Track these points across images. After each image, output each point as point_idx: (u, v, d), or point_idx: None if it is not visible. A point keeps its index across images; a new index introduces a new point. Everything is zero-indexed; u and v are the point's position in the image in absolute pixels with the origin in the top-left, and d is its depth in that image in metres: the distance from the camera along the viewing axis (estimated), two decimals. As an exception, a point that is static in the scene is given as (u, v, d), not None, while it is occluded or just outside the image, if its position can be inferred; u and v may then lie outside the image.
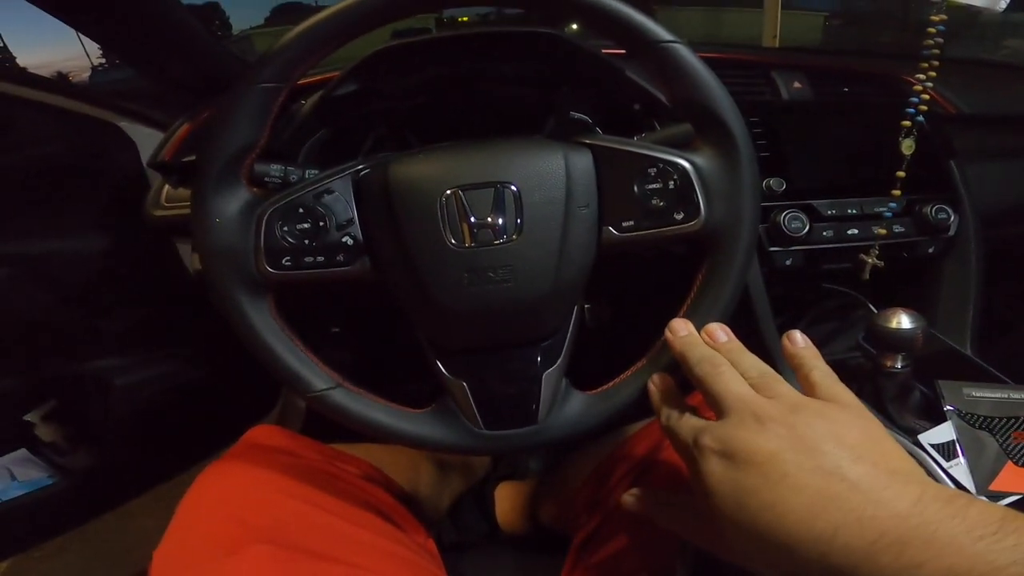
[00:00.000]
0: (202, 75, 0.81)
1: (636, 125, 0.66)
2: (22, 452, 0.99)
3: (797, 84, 0.76)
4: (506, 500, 0.82)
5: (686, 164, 0.43)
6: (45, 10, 0.66)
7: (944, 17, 0.55)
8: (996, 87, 0.91)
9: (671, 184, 0.43)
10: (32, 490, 0.96)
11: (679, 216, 0.43)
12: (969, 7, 0.68)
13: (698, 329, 0.42)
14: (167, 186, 0.71)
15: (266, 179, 0.49)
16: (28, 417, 0.97)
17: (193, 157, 0.71)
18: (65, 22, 0.68)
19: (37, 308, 0.88)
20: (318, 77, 0.72)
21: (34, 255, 0.84)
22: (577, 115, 0.73)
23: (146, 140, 0.84)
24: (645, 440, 0.58)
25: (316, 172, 0.50)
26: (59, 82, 0.87)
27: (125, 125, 0.84)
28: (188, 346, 1.01)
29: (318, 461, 0.56)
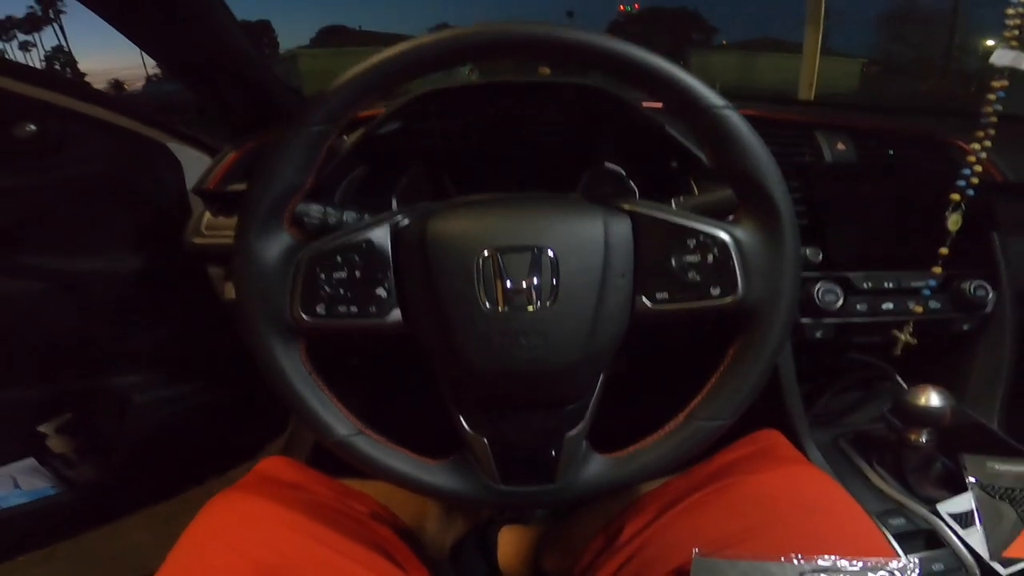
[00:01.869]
0: (252, 101, 0.82)
1: (672, 183, 0.66)
2: (30, 461, 0.99)
3: (841, 145, 0.74)
4: (509, 545, 0.81)
5: (727, 237, 0.42)
6: (105, 19, 0.67)
7: (1006, 83, 0.55)
8: None
9: (710, 258, 0.42)
10: (33, 499, 0.95)
11: (715, 291, 0.42)
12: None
13: (726, 407, 0.42)
14: (208, 214, 0.73)
15: (305, 219, 0.50)
16: (42, 428, 0.98)
17: (236, 187, 0.74)
18: (124, 34, 0.70)
19: (65, 322, 0.89)
20: (362, 114, 0.74)
21: (69, 271, 0.86)
22: (612, 166, 0.74)
23: (193, 163, 0.86)
24: (657, 500, 0.57)
25: (354, 214, 0.51)
26: (113, 97, 0.89)
27: (174, 146, 0.86)
28: (209, 369, 1.02)
29: (326, 497, 0.56)
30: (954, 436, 0.58)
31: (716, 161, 0.43)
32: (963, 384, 0.68)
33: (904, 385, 0.61)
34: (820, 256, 0.63)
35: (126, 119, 0.85)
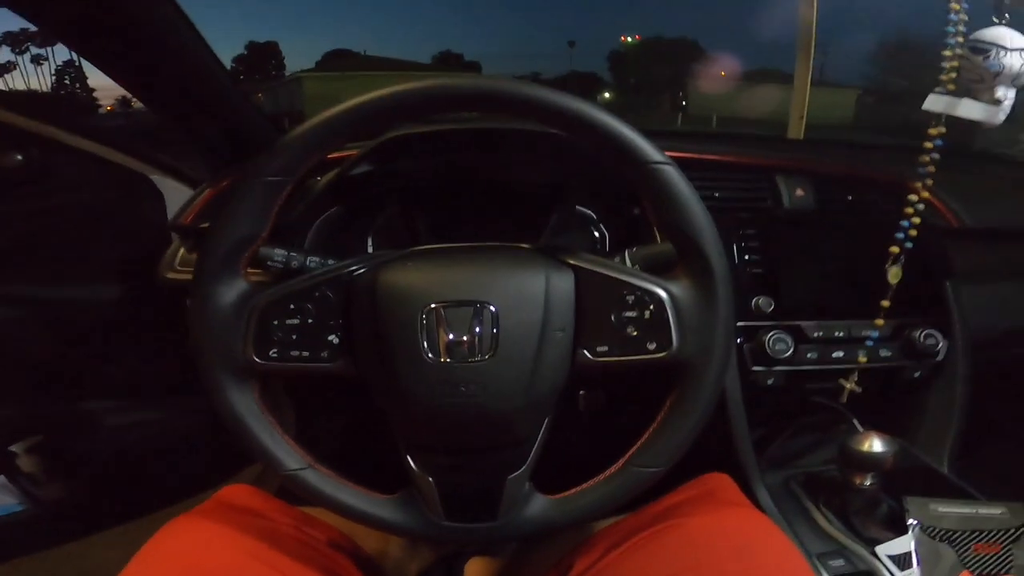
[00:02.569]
0: (228, 135, 0.83)
1: (637, 228, 0.68)
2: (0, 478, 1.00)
3: (800, 191, 0.75)
4: None
5: (663, 294, 0.43)
6: (71, 47, 0.66)
7: (943, 131, 0.56)
8: (1006, 189, 0.89)
9: (647, 313, 0.43)
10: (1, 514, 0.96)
11: (652, 346, 0.44)
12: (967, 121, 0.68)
13: (660, 456, 0.43)
14: (183, 249, 0.74)
15: (269, 263, 0.51)
16: (13, 447, 0.99)
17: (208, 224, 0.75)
18: (94, 64, 0.69)
19: (43, 348, 0.90)
20: (335, 155, 0.74)
21: (49, 299, 0.87)
22: (583, 210, 0.76)
23: (175, 195, 0.87)
24: (606, 539, 0.58)
25: (317, 260, 0.52)
26: (97, 128, 0.90)
27: (157, 178, 0.88)
28: (180, 397, 1.02)
29: (286, 525, 0.56)
30: (902, 478, 0.59)
31: (654, 216, 0.44)
32: (916, 428, 0.69)
33: (859, 428, 0.62)
34: (772, 305, 0.64)
35: (109, 150, 0.86)
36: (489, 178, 0.75)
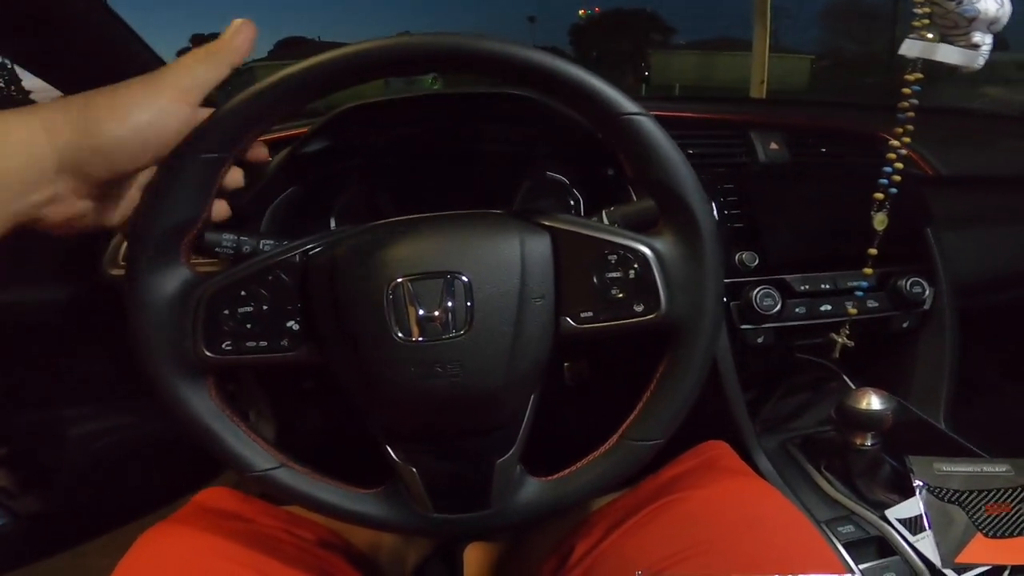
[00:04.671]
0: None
1: (613, 191, 0.65)
2: None
3: (774, 145, 0.74)
4: (475, 563, 0.79)
5: (647, 251, 0.41)
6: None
7: (920, 76, 0.55)
8: (976, 140, 0.90)
9: (631, 273, 0.41)
10: None
11: (639, 308, 0.41)
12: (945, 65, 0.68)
13: (656, 427, 0.41)
14: (126, 243, 0.69)
15: (217, 250, 0.46)
16: None
17: None
18: (23, 66, 0.66)
19: (-6, 357, 0.86)
20: (286, 133, 0.71)
21: (-7, 304, 0.82)
22: (554, 175, 0.73)
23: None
24: (606, 519, 0.57)
25: (271, 243, 0.48)
26: None
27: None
28: (147, 398, 0.99)
29: (271, 527, 0.54)
30: (900, 436, 0.58)
31: (632, 171, 0.41)
32: (908, 381, 0.69)
33: (851, 385, 0.61)
34: (756, 260, 0.63)
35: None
36: (454, 148, 0.71)
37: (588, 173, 0.71)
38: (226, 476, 1.04)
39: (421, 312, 0.39)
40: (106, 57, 0.67)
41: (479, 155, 0.71)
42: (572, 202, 0.74)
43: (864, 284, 0.61)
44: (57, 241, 0.83)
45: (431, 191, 0.72)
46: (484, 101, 0.65)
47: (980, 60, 0.54)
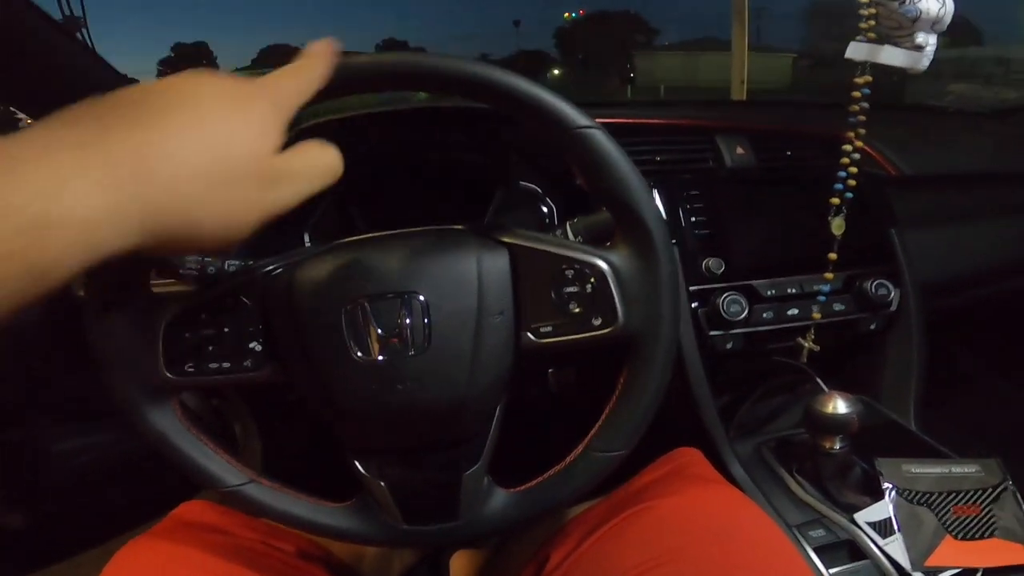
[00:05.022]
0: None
1: (585, 200, 0.65)
2: None
3: (740, 150, 0.75)
4: (461, 571, 0.79)
5: (603, 265, 0.41)
6: None
7: (869, 79, 0.55)
8: (939, 138, 0.91)
9: (588, 287, 0.41)
10: None
11: (597, 322, 0.41)
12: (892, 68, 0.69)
13: (619, 438, 0.42)
14: None
15: (181, 272, 0.46)
16: None
17: None
18: None
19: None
20: None
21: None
22: (526, 185, 0.73)
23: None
24: (581, 526, 0.57)
25: (236, 263, 0.48)
26: None
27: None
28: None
29: (250, 539, 0.53)
30: (870, 437, 0.59)
31: (586, 183, 0.41)
32: (878, 383, 0.69)
33: (824, 387, 0.61)
34: (723, 267, 0.63)
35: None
36: (426, 160, 0.71)
37: (559, 182, 0.71)
38: (209, 491, 1.04)
39: (379, 331, 0.39)
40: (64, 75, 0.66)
41: (451, 166, 0.72)
42: (545, 210, 0.74)
43: (827, 288, 0.61)
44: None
45: (404, 205, 0.72)
46: (454, 114, 0.66)
47: (924, 61, 0.54)
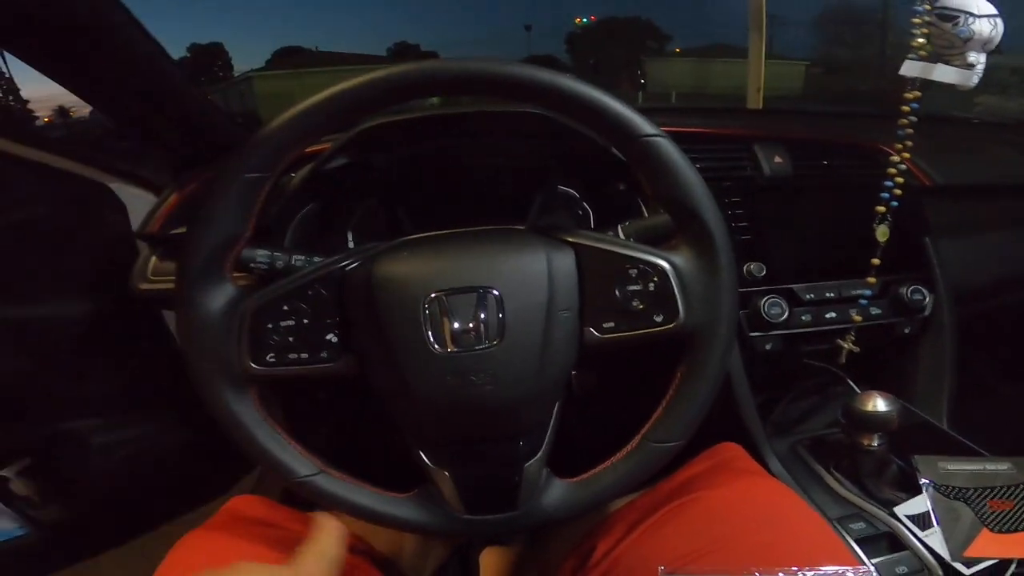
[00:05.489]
0: (189, 135, 0.79)
1: (623, 203, 0.67)
2: None
3: (778, 159, 0.76)
4: (491, 567, 0.80)
5: (666, 265, 0.43)
6: (11, 53, 0.63)
7: (918, 94, 0.57)
8: (970, 149, 0.93)
9: (651, 286, 0.43)
10: (1, 540, 0.93)
11: (659, 318, 0.43)
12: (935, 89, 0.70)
13: (676, 429, 0.43)
14: (154, 258, 0.71)
15: (252, 265, 0.49)
16: (3, 472, 0.94)
17: (180, 230, 0.72)
18: (38, 69, 0.65)
19: (17, 371, 0.86)
20: (308, 150, 0.73)
21: (16, 319, 0.83)
22: (565, 189, 0.75)
23: (137, 202, 0.83)
24: (625, 519, 0.58)
25: (302, 258, 0.50)
26: (49, 139, 0.85)
27: (116, 186, 0.83)
28: (169, 409, 1.00)
29: (299, 532, 0.54)
30: (905, 437, 0.60)
31: (650, 188, 0.44)
32: (911, 385, 0.71)
33: (856, 389, 0.63)
34: (764, 271, 0.65)
35: (62, 160, 0.82)
36: (468, 163, 0.73)
37: (597, 186, 0.73)
38: (243, 484, 1.06)
39: (456, 325, 0.41)
40: (122, 59, 0.67)
41: (492, 170, 0.73)
42: (582, 213, 0.76)
43: (868, 292, 0.63)
44: (83, 258, 0.86)
45: (446, 206, 0.74)
46: (497, 118, 0.67)
47: (975, 79, 0.56)
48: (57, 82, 0.69)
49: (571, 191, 0.75)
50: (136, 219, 0.82)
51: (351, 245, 0.72)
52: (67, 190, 0.84)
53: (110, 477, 0.97)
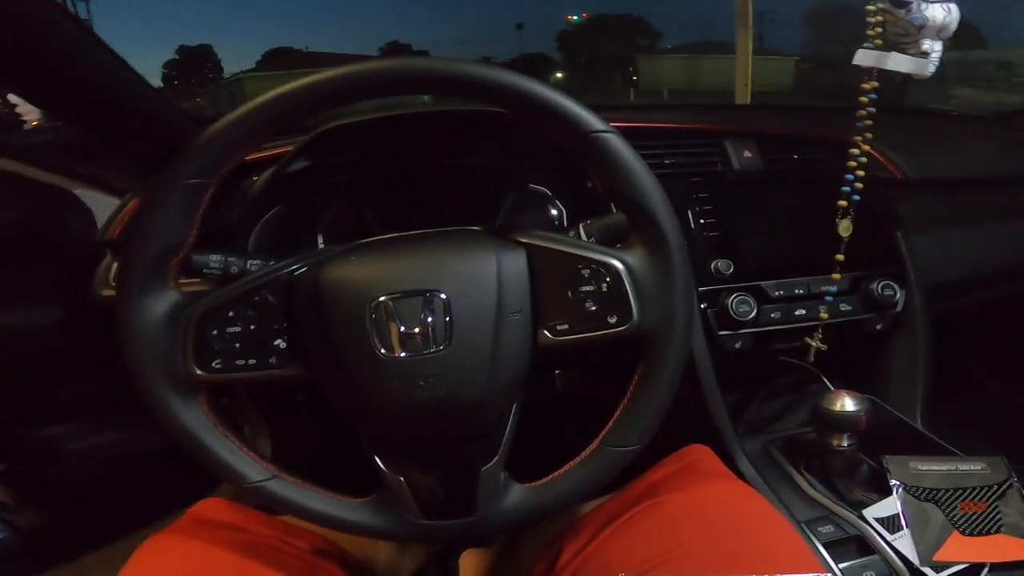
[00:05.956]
0: (154, 142, 0.76)
1: (594, 201, 0.67)
2: None
3: (747, 153, 0.76)
4: (471, 569, 0.80)
5: (618, 265, 0.42)
6: None
7: (876, 85, 0.57)
8: (945, 142, 0.93)
9: (604, 286, 0.42)
10: None
11: (612, 319, 0.42)
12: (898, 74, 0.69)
13: (634, 433, 0.43)
14: (116, 264, 0.70)
15: (205, 271, 0.48)
16: None
17: None
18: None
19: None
20: (269, 152, 0.71)
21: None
22: (537, 187, 0.74)
23: (103, 206, 0.81)
24: (593, 522, 0.58)
25: (259, 263, 0.49)
26: (11, 146, 0.84)
27: (80, 192, 0.83)
28: (142, 414, 0.99)
29: (266, 536, 0.55)
30: (877, 436, 0.60)
31: (602, 186, 0.43)
32: (885, 383, 0.70)
33: (830, 386, 0.63)
34: (732, 267, 0.64)
35: (22, 166, 0.80)
36: (437, 165, 0.72)
37: (569, 184, 0.73)
38: (223, 488, 1.05)
39: (402, 329, 0.41)
40: (72, 69, 0.66)
41: (463, 169, 0.73)
42: (555, 212, 0.75)
43: (834, 288, 0.63)
44: (50, 264, 0.85)
45: (416, 206, 0.73)
46: (465, 117, 0.67)
47: (930, 67, 0.56)
48: (17, 95, 0.67)
49: (543, 189, 0.75)
50: (102, 223, 0.80)
51: (329, 246, 0.72)
52: (32, 197, 0.83)
53: (86, 482, 0.97)
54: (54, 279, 0.86)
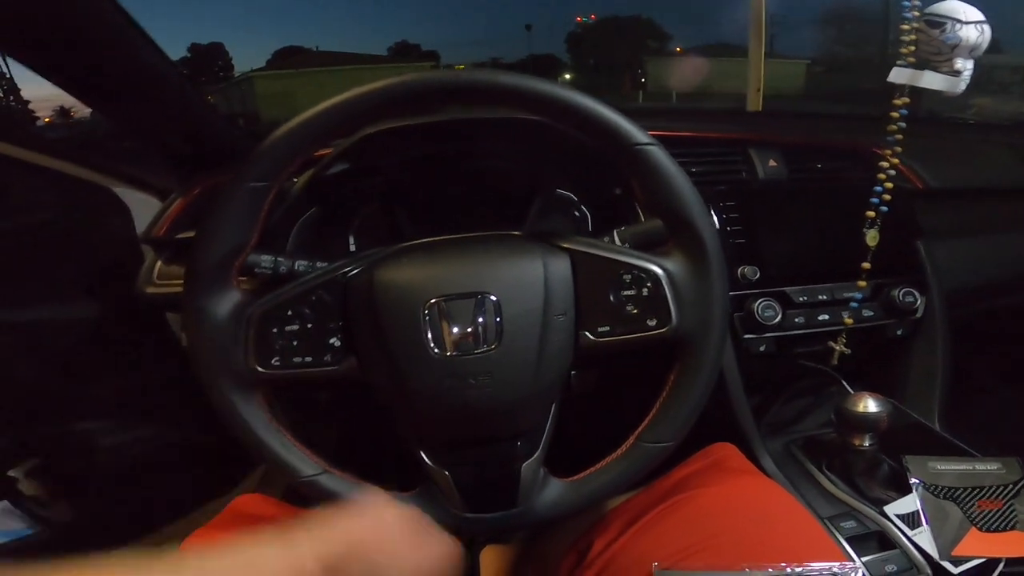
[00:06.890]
0: (190, 140, 0.80)
1: (619, 207, 0.68)
2: (3, 504, 0.97)
3: (772, 162, 0.77)
4: (491, 564, 0.81)
5: (659, 271, 0.44)
6: (11, 56, 0.62)
7: (907, 100, 0.58)
8: (964, 151, 0.93)
9: (644, 291, 0.44)
10: (10, 539, 0.94)
11: (652, 323, 0.44)
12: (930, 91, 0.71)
13: (669, 430, 0.44)
14: (160, 262, 0.72)
15: (256, 270, 0.50)
16: (12, 472, 0.96)
17: (186, 235, 0.73)
18: (35, 71, 0.65)
19: (25, 373, 0.87)
20: None
21: (24, 322, 0.84)
22: (563, 192, 0.76)
23: (141, 206, 0.84)
24: (622, 516, 0.59)
25: (305, 263, 0.51)
26: (52, 142, 0.85)
27: (120, 190, 0.84)
28: (175, 409, 1.01)
29: None
30: (896, 437, 0.61)
31: (643, 196, 0.45)
32: (904, 386, 0.72)
33: (850, 390, 0.64)
34: (758, 274, 0.66)
35: (66, 163, 0.83)
36: (467, 169, 0.74)
37: (595, 191, 0.74)
38: (246, 484, 1.07)
39: (455, 329, 0.43)
40: (122, 64, 0.67)
41: (492, 174, 0.75)
42: (579, 217, 0.77)
43: (859, 295, 0.64)
44: (88, 260, 0.87)
45: (446, 210, 0.75)
46: (496, 124, 0.69)
47: (961, 85, 0.57)
48: (57, 85, 0.69)
49: (569, 195, 0.76)
50: (140, 223, 0.82)
51: (352, 249, 0.74)
52: (71, 194, 0.85)
53: (117, 477, 0.99)
54: (92, 276, 0.87)
